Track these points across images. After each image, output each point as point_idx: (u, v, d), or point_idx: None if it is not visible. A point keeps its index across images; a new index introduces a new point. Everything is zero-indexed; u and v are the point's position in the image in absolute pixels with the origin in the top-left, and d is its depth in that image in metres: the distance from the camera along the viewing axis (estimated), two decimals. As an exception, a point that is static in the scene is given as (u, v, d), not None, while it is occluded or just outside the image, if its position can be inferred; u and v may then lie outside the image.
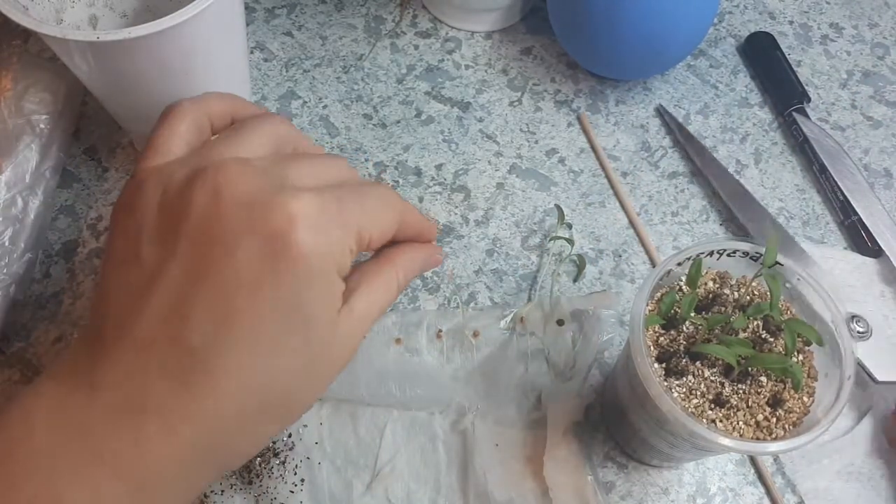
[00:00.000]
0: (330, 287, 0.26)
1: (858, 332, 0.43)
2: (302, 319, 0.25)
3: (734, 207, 0.48)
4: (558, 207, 0.48)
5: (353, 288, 0.28)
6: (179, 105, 0.30)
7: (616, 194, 0.50)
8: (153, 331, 0.24)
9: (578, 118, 0.53)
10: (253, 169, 0.25)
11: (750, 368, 0.32)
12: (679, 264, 0.35)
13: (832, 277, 0.46)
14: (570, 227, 0.48)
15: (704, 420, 0.31)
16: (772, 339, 0.33)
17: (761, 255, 0.34)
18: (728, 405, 0.32)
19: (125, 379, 0.23)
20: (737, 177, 0.51)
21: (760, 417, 0.32)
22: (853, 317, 0.43)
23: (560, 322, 0.44)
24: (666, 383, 0.32)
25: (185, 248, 0.24)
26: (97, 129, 0.51)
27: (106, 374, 0.24)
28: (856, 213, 0.48)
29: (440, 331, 0.43)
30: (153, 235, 0.25)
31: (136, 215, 0.25)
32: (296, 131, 0.30)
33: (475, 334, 0.43)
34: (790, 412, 0.32)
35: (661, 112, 0.53)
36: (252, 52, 0.55)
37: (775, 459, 0.41)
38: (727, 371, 0.33)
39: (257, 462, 0.40)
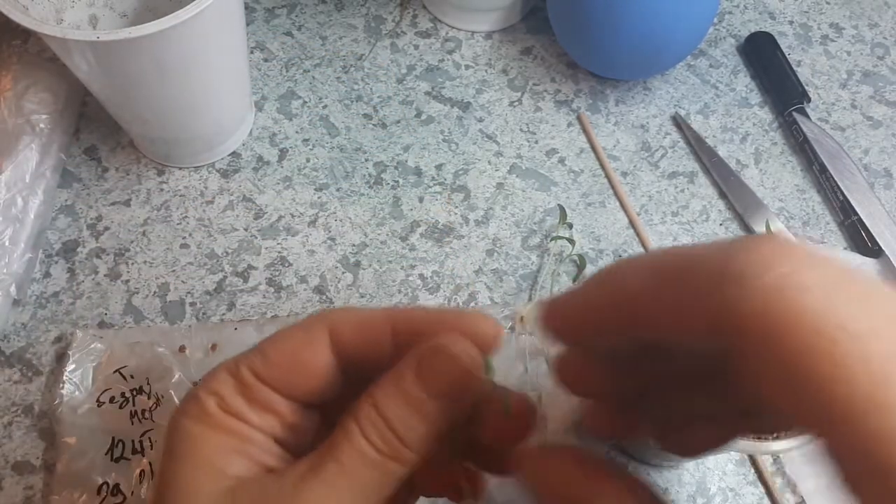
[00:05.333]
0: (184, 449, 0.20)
1: None
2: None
3: (739, 207, 0.49)
4: (560, 207, 0.48)
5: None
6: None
7: (616, 194, 0.50)
8: None
9: (578, 118, 0.53)
10: None
11: (750, 368, 0.32)
12: (679, 264, 0.35)
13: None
14: (570, 226, 0.48)
15: (705, 420, 0.31)
16: (772, 339, 0.33)
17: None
18: (728, 405, 0.32)
19: None
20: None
21: (761, 417, 0.32)
22: None
23: (560, 322, 0.44)
24: (666, 383, 0.32)
25: None
26: (97, 129, 0.51)
27: None
28: (856, 214, 0.48)
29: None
30: None
31: None
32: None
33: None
34: (790, 412, 0.32)
35: (675, 116, 0.53)
36: (252, 52, 0.55)
37: (775, 459, 0.41)
38: (727, 371, 0.33)
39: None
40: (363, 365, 0.21)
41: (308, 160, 0.50)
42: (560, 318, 0.20)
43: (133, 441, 0.40)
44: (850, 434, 0.13)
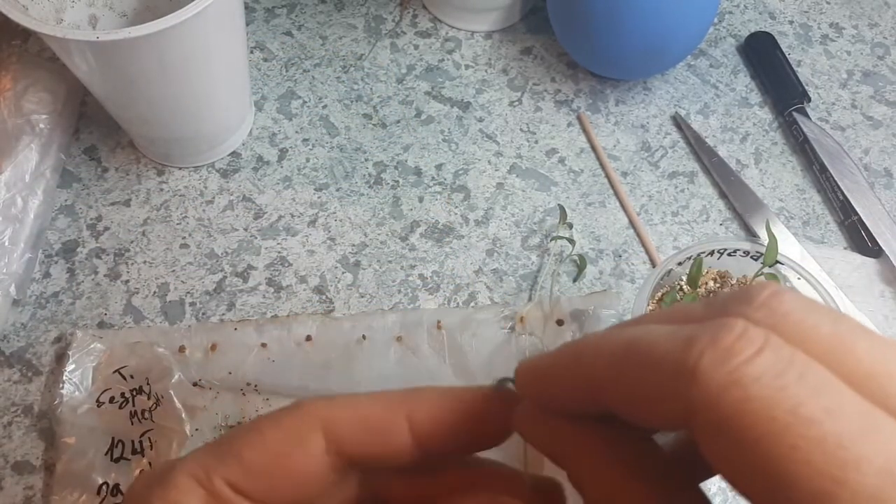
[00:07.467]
0: None
1: None
2: None
3: (739, 207, 0.49)
4: (561, 207, 0.48)
5: None
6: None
7: (616, 194, 0.50)
8: None
9: (578, 118, 0.53)
10: None
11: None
12: (680, 264, 0.35)
13: (832, 278, 0.46)
14: (570, 226, 0.48)
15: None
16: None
17: (762, 254, 0.34)
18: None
19: None
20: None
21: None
22: None
23: (560, 322, 0.44)
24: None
25: None
26: (97, 129, 0.51)
27: None
28: (856, 213, 0.48)
29: (439, 322, 0.43)
30: None
31: None
32: None
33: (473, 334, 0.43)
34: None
35: (676, 116, 0.53)
36: (252, 52, 0.55)
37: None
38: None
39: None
40: (370, 462, 0.19)
41: (308, 160, 0.50)
42: (530, 383, 0.19)
43: (133, 441, 0.40)
44: None
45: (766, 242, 0.37)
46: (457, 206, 0.49)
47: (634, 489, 0.17)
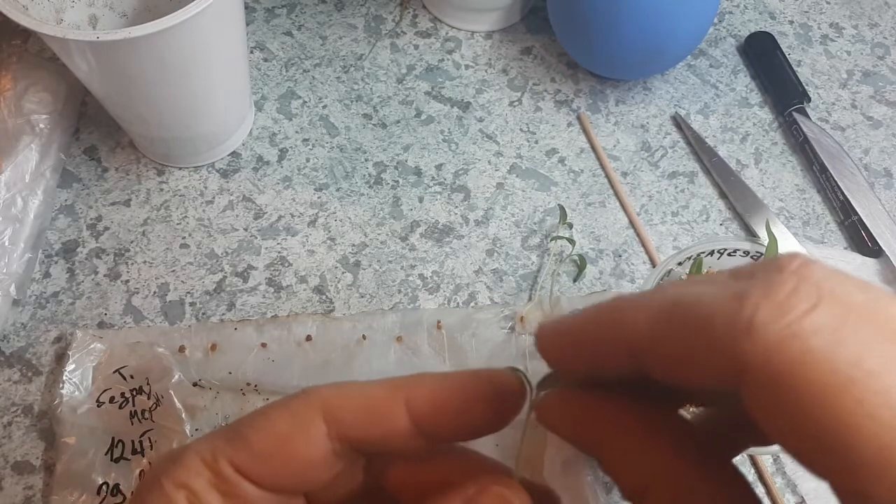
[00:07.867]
0: None
1: None
2: None
3: (739, 207, 0.49)
4: (561, 207, 0.48)
5: None
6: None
7: (616, 194, 0.50)
8: None
9: (578, 118, 0.53)
10: None
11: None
12: (680, 264, 0.35)
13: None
14: (570, 226, 0.48)
15: (705, 420, 0.31)
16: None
17: (762, 254, 0.34)
18: (728, 405, 0.32)
19: None
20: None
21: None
22: None
23: (560, 322, 0.44)
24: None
25: None
26: (97, 129, 0.51)
27: None
28: (856, 213, 0.48)
29: (439, 322, 0.43)
30: None
31: None
32: None
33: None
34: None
35: (676, 115, 0.53)
36: (252, 52, 0.55)
37: (775, 459, 0.41)
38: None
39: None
40: (370, 446, 0.19)
41: (308, 160, 0.50)
42: (555, 343, 0.19)
43: (133, 441, 0.40)
44: (882, 470, 0.13)
45: (766, 242, 0.37)
46: (457, 206, 0.49)
47: (675, 469, 0.16)
